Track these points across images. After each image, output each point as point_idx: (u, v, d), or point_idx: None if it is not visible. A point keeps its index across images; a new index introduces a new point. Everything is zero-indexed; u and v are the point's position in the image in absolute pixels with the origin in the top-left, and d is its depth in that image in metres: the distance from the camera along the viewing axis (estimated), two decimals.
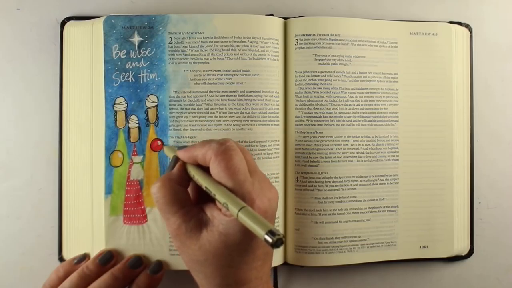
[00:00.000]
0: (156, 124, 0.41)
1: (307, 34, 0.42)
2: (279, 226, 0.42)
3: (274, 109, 0.42)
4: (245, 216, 0.28)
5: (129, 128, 0.41)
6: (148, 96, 0.41)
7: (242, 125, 0.41)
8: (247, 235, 0.30)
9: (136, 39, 0.41)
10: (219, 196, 0.30)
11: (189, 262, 0.32)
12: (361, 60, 0.43)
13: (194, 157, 0.33)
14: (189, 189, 0.34)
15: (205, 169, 0.32)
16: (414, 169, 0.44)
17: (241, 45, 0.41)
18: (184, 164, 0.34)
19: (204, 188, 0.31)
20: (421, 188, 0.44)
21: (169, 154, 0.37)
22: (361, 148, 0.43)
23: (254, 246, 0.31)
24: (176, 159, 0.34)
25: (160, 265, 0.40)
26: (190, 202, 0.33)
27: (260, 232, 0.26)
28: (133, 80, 0.41)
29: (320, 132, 0.42)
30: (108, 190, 0.41)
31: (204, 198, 0.33)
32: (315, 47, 0.42)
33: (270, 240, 0.26)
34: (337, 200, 0.42)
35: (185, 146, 0.34)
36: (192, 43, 0.41)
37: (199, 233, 0.31)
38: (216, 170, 0.31)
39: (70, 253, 0.42)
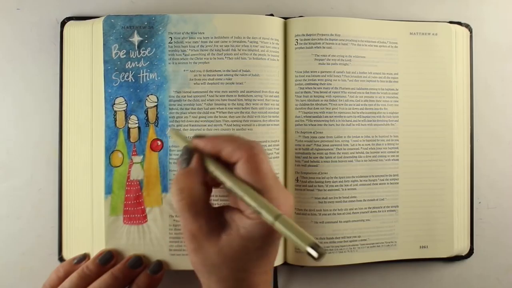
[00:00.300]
0: (156, 124, 0.41)
1: (307, 34, 0.42)
2: None
3: (274, 109, 0.42)
4: (283, 226, 0.27)
5: (128, 128, 0.41)
6: (148, 96, 0.41)
7: (242, 125, 0.41)
8: (267, 241, 0.30)
9: (136, 39, 0.41)
10: (251, 200, 0.29)
11: (202, 265, 0.31)
12: (361, 60, 0.43)
13: (217, 150, 0.31)
14: None
15: (223, 164, 0.31)
16: (414, 169, 0.44)
17: (241, 45, 0.41)
18: (201, 158, 0.32)
19: (228, 187, 0.30)
20: (421, 188, 0.44)
21: (177, 139, 0.34)
22: (361, 148, 0.43)
23: (271, 251, 0.31)
24: (190, 152, 0.32)
25: (160, 265, 0.40)
26: (208, 201, 0.32)
27: (302, 244, 0.26)
28: (133, 80, 0.41)
29: (320, 132, 0.42)
30: (108, 190, 0.41)
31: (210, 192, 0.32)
32: (315, 47, 0.42)
33: (315, 254, 0.26)
34: (337, 200, 0.42)
35: (202, 136, 0.33)
36: (192, 43, 0.41)
37: (218, 236, 0.30)
38: (247, 170, 0.30)
39: (70, 253, 0.42)
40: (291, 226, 0.27)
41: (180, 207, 0.31)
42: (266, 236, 0.30)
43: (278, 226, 0.27)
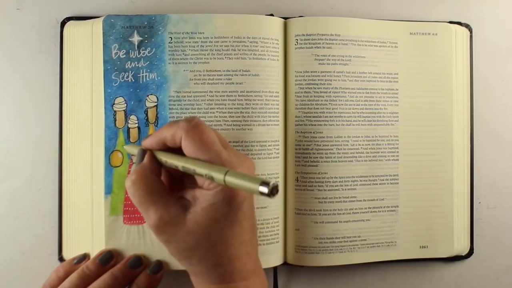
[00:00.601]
0: (155, 124, 0.41)
1: (307, 34, 0.42)
2: (279, 226, 0.42)
3: (274, 109, 0.42)
4: (233, 177, 0.27)
5: (128, 128, 0.41)
6: (147, 96, 0.41)
7: (242, 125, 0.41)
8: (233, 205, 0.30)
9: (136, 39, 0.41)
10: (200, 169, 0.29)
11: (179, 253, 0.32)
12: (361, 60, 0.43)
13: (162, 140, 0.32)
14: (162, 179, 0.34)
15: (176, 152, 0.32)
16: (414, 169, 0.44)
17: (241, 45, 0.41)
18: (152, 153, 0.33)
19: (181, 169, 0.31)
20: (421, 188, 0.44)
21: (133, 151, 0.36)
22: (361, 148, 0.43)
23: (240, 216, 0.31)
24: (143, 152, 0.34)
25: (160, 265, 0.40)
26: (166, 191, 0.32)
27: (253, 186, 0.26)
28: (133, 80, 0.41)
29: (320, 132, 0.42)
30: (108, 190, 0.41)
31: (179, 186, 0.33)
32: (315, 47, 0.42)
33: (265, 190, 0.25)
34: (337, 200, 0.42)
35: (148, 136, 0.34)
36: (192, 43, 0.41)
37: (184, 218, 0.30)
38: (190, 146, 0.31)
39: (70, 253, 0.42)
40: (239, 175, 0.27)
41: (135, 200, 0.32)
42: (229, 201, 0.30)
43: (229, 180, 0.27)
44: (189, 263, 0.32)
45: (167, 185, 0.34)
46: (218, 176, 0.28)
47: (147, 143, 0.34)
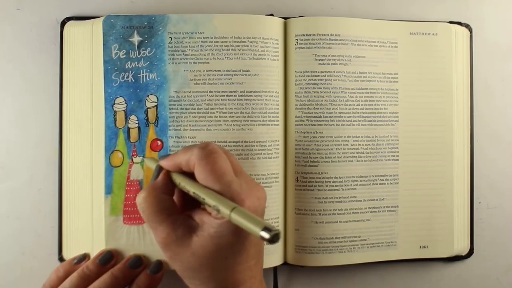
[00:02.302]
0: (156, 124, 0.41)
1: (307, 34, 0.42)
2: (279, 226, 0.42)
3: (274, 109, 0.42)
4: (238, 216, 0.28)
5: (128, 128, 0.41)
6: (147, 96, 0.41)
7: (242, 125, 0.41)
8: (239, 236, 0.30)
9: (136, 39, 0.41)
10: (209, 199, 0.30)
11: (183, 271, 0.32)
12: (361, 60, 0.43)
13: (177, 165, 0.33)
14: (175, 197, 0.34)
15: (190, 176, 0.32)
16: (414, 169, 0.44)
17: (241, 45, 0.41)
18: (168, 173, 0.34)
19: (192, 194, 0.31)
20: (421, 188, 0.44)
21: (152, 165, 0.37)
22: (361, 148, 0.43)
23: (247, 245, 0.31)
24: (160, 169, 0.34)
25: (160, 265, 0.40)
26: (176, 210, 0.33)
27: (255, 229, 0.26)
28: (133, 80, 0.41)
29: (320, 132, 0.42)
30: (108, 190, 0.41)
31: (191, 205, 0.33)
32: (315, 47, 0.42)
33: (267, 236, 0.26)
34: (337, 200, 0.42)
35: (167, 155, 0.34)
36: (192, 43, 0.41)
37: (189, 240, 0.31)
38: (201, 174, 0.31)
39: (70, 253, 0.42)
40: (244, 215, 0.27)
41: (144, 216, 0.32)
42: (236, 233, 0.30)
43: (234, 217, 0.28)
44: (192, 283, 0.32)
45: (179, 202, 0.35)
46: (225, 210, 0.28)
47: (164, 163, 0.34)
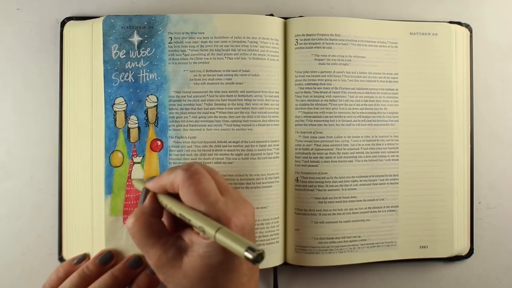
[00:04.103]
0: (155, 124, 0.41)
1: (307, 34, 0.42)
2: (279, 226, 0.42)
3: (274, 109, 0.42)
4: (223, 236, 0.28)
5: (128, 128, 0.41)
6: (147, 96, 0.41)
7: (242, 125, 0.41)
8: (229, 255, 0.30)
9: (136, 39, 0.41)
10: (195, 220, 0.30)
11: None
12: (361, 60, 0.43)
13: (162, 187, 0.33)
14: (164, 219, 0.35)
15: (176, 197, 0.33)
16: (414, 169, 0.44)
17: (241, 45, 0.41)
18: (155, 195, 0.34)
19: (179, 216, 0.31)
20: (421, 188, 0.44)
21: (139, 186, 0.38)
22: (361, 148, 0.43)
23: (237, 263, 0.31)
24: (147, 191, 0.35)
25: None
26: (166, 232, 0.33)
27: (239, 250, 0.27)
28: (133, 80, 0.41)
29: (320, 132, 0.42)
30: (108, 190, 0.41)
31: (181, 225, 0.33)
32: (315, 47, 0.42)
33: (250, 256, 0.26)
34: (337, 200, 0.42)
35: (154, 177, 0.35)
36: (192, 43, 0.41)
37: (180, 261, 0.31)
38: (186, 196, 0.31)
39: (70, 253, 0.42)
40: (229, 235, 0.28)
41: (135, 242, 0.33)
42: (226, 251, 0.30)
43: (219, 237, 0.28)
44: None
45: (169, 223, 0.35)
46: (210, 231, 0.29)
47: (150, 186, 0.34)
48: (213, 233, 0.28)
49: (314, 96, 0.42)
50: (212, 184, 0.32)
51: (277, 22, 0.43)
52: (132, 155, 0.41)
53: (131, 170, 0.41)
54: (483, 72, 0.47)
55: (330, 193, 0.42)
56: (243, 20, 0.42)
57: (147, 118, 0.41)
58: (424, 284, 0.47)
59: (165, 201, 0.33)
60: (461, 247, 0.46)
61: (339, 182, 0.43)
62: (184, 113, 0.41)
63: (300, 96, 0.42)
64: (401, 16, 0.47)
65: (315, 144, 0.42)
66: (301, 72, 0.42)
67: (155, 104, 0.41)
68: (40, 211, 0.44)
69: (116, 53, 0.41)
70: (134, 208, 0.41)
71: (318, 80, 0.42)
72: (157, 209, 0.34)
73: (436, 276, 0.47)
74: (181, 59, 0.41)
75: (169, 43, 0.41)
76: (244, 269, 0.32)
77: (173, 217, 0.35)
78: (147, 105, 0.41)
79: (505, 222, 0.48)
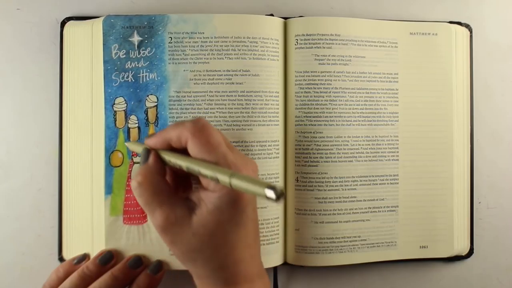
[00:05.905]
0: (155, 124, 0.41)
1: (307, 34, 0.42)
2: (279, 226, 0.42)
3: (274, 109, 0.42)
4: (239, 180, 0.27)
5: (128, 128, 0.41)
6: (147, 96, 0.41)
7: (242, 125, 0.41)
8: (238, 208, 0.30)
9: (136, 39, 0.41)
10: (205, 170, 0.29)
11: (184, 254, 0.32)
12: (361, 60, 0.43)
13: (167, 141, 0.32)
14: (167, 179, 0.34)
15: (179, 152, 0.32)
16: (414, 169, 0.44)
17: (241, 45, 0.41)
18: (157, 153, 0.33)
19: (185, 169, 0.31)
20: (421, 188, 0.44)
21: (136, 148, 0.36)
22: (361, 148, 0.43)
23: (245, 219, 0.31)
24: (148, 151, 0.33)
25: (160, 265, 0.40)
26: (172, 191, 0.32)
27: (260, 190, 0.26)
28: (133, 80, 0.41)
29: (320, 132, 0.42)
30: (108, 190, 0.41)
31: (183, 187, 0.33)
32: (315, 47, 0.42)
33: (272, 194, 0.25)
34: (337, 200, 0.42)
35: (153, 134, 0.34)
36: (192, 43, 0.41)
37: (189, 219, 0.31)
38: (196, 147, 0.31)
39: (70, 253, 0.42)
40: (245, 178, 0.27)
41: (141, 201, 0.32)
42: (234, 204, 0.30)
43: (235, 182, 0.27)
44: (193, 265, 0.32)
45: (172, 186, 0.34)
46: (224, 178, 0.28)
47: (151, 142, 0.34)
48: (227, 179, 0.27)
49: (314, 96, 0.42)
50: (222, 137, 0.32)
51: (277, 22, 0.43)
52: (132, 155, 0.41)
53: (131, 170, 0.41)
54: (483, 72, 0.47)
55: (330, 193, 0.42)
56: (243, 20, 0.42)
57: (147, 118, 0.41)
58: (424, 284, 0.47)
59: (169, 157, 0.32)
60: (461, 247, 0.46)
61: (339, 182, 0.43)
62: (184, 113, 0.41)
63: (300, 96, 0.42)
64: (401, 16, 0.47)
65: (315, 144, 0.42)
66: (301, 72, 0.42)
67: (155, 104, 0.41)
68: (40, 211, 0.44)
69: (116, 53, 0.41)
70: (134, 208, 0.41)
71: (318, 80, 0.42)
72: (162, 167, 0.33)
73: (436, 276, 0.47)
74: (181, 59, 0.41)
75: (169, 43, 0.41)
76: (250, 228, 0.32)
77: (176, 178, 0.34)
78: (147, 105, 0.41)
79: (505, 222, 0.48)
